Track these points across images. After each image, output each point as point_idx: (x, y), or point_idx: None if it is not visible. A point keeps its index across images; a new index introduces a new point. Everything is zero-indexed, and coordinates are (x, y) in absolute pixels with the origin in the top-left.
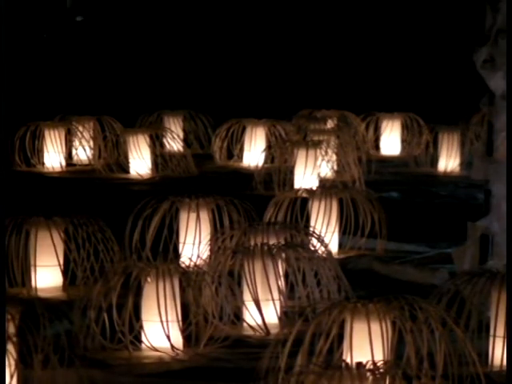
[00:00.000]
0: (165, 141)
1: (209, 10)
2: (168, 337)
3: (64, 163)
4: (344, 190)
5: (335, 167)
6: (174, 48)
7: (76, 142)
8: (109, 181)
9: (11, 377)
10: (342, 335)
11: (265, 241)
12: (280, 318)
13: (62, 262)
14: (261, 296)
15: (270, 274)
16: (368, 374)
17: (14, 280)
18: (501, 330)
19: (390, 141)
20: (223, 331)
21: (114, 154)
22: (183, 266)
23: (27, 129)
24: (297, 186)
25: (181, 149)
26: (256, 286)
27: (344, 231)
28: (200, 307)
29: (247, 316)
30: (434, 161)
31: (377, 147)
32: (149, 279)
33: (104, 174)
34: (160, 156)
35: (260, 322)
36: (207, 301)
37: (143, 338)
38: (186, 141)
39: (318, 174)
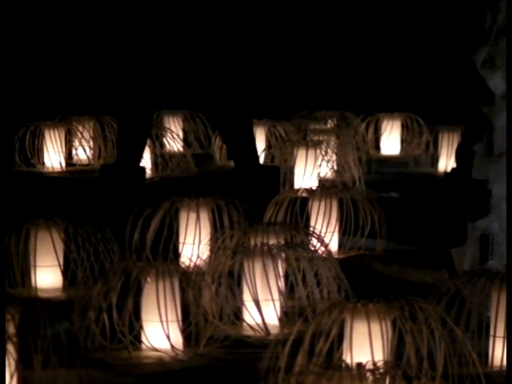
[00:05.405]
0: (165, 141)
1: (208, 10)
2: (168, 337)
3: (64, 163)
4: (344, 190)
5: (335, 167)
6: (173, 48)
7: (76, 142)
8: None
9: (11, 377)
10: (342, 335)
11: (265, 241)
12: (280, 319)
13: (62, 262)
14: (261, 296)
15: (269, 274)
16: (368, 374)
17: (14, 280)
18: (501, 330)
19: (390, 141)
20: (223, 331)
21: (113, 154)
22: (183, 266)
23: (27, 129)
24: (297, 186)
25: (181, 149)
26: (256, 286)
27: (344, 231)
28: (200, 307)
29: (247, 316)
30: (434, 161)
31: (377, 147)
32: (149, 279)
33: None
34: (160, 156)
35: (260, 322)
36: (207, 301)
37: (143, 338)
38: (185, 141)
39: (318, 174)
